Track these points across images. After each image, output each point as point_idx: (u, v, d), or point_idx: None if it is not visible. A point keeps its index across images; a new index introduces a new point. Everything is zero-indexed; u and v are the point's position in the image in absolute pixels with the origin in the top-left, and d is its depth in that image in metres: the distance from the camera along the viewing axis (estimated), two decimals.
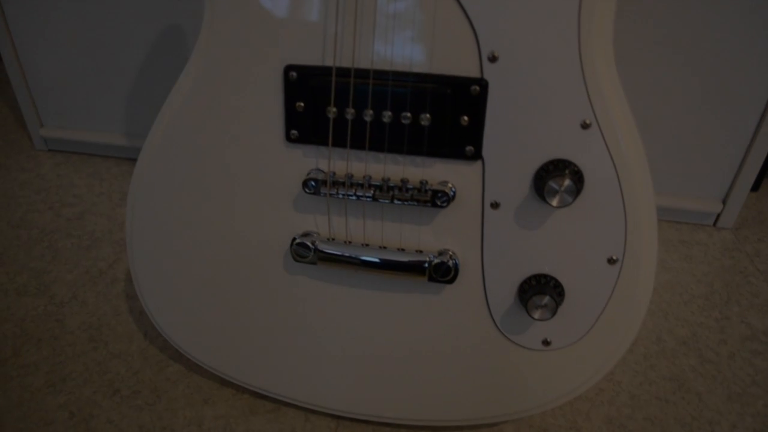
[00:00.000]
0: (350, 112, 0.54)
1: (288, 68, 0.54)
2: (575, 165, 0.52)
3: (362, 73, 0.53)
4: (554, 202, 0.52)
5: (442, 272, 0.57)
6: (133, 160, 1.29)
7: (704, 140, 1.04)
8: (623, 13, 0.95)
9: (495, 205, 0.56)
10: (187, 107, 0.59)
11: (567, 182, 0.51)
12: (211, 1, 0.54)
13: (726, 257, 1.04)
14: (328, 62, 0.54)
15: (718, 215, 1.10)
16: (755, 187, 1.21)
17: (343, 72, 0.53)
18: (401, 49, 0.52)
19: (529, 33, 0.49)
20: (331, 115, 0.55)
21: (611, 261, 0.56)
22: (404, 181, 0.55)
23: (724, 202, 1.09)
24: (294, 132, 0.56)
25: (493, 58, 0.51)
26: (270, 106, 0.56)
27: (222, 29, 0.55)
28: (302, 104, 0.55)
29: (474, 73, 0.51)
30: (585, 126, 0.51)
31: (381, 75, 0.53)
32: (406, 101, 0.53)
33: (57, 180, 1.22)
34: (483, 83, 0.51)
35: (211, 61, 0.56)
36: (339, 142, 0.56)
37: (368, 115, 0.54)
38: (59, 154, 1.32)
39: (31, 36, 1.18)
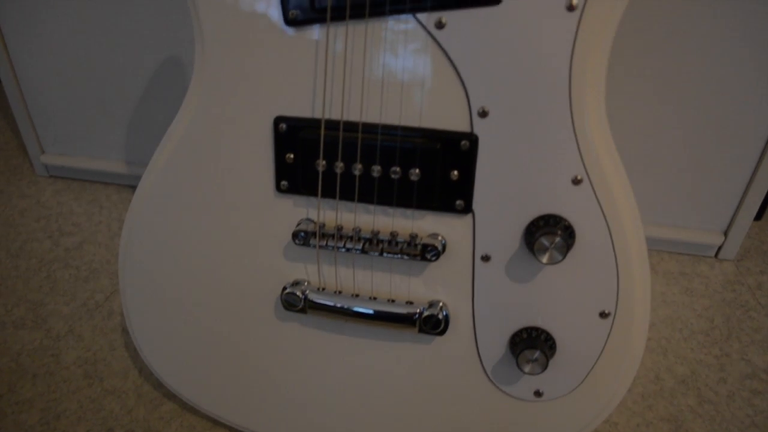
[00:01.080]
0: (339, 166, 0.54)
1: (278, 120, 0.54)
2: (566, 220, 0.52)
3: (351, 127, 0.53)
4: (544, 260, 0.51)
5: (432, 325, 0.57)
6: (133, 188, 1.29)
7: (705, 172, 1.03)
8: (624, 48, 0.95)
9: (486, 258, 0.55)
10: (179, 153, 0.59)
11: (557, 240, 0.50)
12: (201, 50, 0.54)
13: (727, 290, 1.03)
14: (318, 114, 0.53)
15: (720, 247, 1.10)
16: (758, 216, 1.20)
17: (332, 125, 0.53)
18: (391, 103, 0.52)
19: (520, 89, 0.49)
20: (320, 169, 0.54)
21: (603, 315, 0.55)
22: (394, 235, 0.55)
23: (725, 233, 1.08)
24: (284, 183, 0.56)
25: (483, 114, 0.50)
26: (260, 156, 0.56)
27: (213, 79, 0.55)
28: (292, 156, 0.55)
29: (464, 127, 0.51)
30: (576, 182, 0.51)
31: (370, 128, 0.52)
32: (395, 156, 0.52)
33: (57, 207, 1.22)
34: (473, 138, 0.51)
35: (202, 109, 0.56)
36: (328, 194, 0.56)
37: (357, 169, 0.53)
38: (60, 180, 1.32)
39: (33, 63, 1.18)
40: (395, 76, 0.51)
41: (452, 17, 0.48)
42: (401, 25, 0.49)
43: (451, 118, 0.51)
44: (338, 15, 0.50)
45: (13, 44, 1.17)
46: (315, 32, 0.51)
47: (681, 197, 1.06)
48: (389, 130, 0.52)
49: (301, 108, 0.54)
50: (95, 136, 1.25)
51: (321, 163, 0.54)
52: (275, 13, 0.51)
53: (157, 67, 1.13)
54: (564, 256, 0.51)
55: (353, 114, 0.53)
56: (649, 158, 1.04)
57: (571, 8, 0.46)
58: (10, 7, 1.12)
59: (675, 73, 0.96)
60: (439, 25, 0.48)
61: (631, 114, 1.00)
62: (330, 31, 0.50)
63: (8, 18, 1.14)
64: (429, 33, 0.49)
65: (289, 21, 0.51)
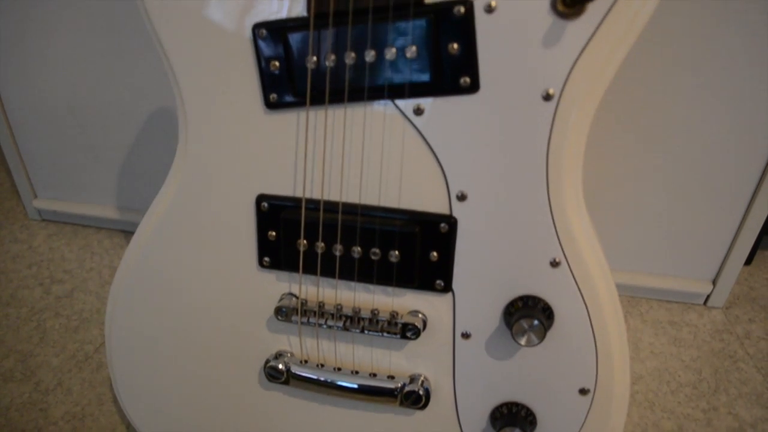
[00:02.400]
0: (320, 246, 0.54)
1: (260, 198, 0.55)
2: (545, 301, 0.52)
3: (332, 207, 0.53)
4: (522, 342, 0.52)
5: (413, 400, 0.57)
6: (125, 232, 1.29)
7: (694, 221, 1.03)
8: (612, 100, 0.96)
9: (466, 336, 0.56)
10: (164, 226, 0.59)
11: (535, 323, 0.51)
12: (185, 129, 0.55)
13: (716, 340, 1.04)
14: (299, 194, 0.54)
15: (709, 295, 1.10)
16: (748, 260, 1.21)
17: (313, 205, 0.54)
18: (370, 185, 0.52)
19: (498, 174, 0.50)
20: (301, 248, 0.55)
21: (583, 392, 0.55)
22: (375, 313, 0.56)
23: (714, 282, 1.08)
24: (266, 259, 0.57)
25: (462, 197, 0.51)
26: (243, 232, 0.57)
27: (196, 157, 0.55)
28: (274, 234, 0.56)
29: (443, 210, 0.52)
30: (554, 264, 0.51)
31: (350, 209, 0.53)
32: (375, 238, 0.53)
33: (49, 253, 1.22)
34: (452, 221, 0.52)
35: (185, 185, 0.57)
36: (310, 271, 0.56)
37: (338, 249, 0.54)
38: (52, 224, 1.33)
39: (25, 108, 1.19)
40: (374, 158, 0.51)
41: (430, 104, 0.49)
42: (380, 110, 0.50)
43: (430, 201, 0.52)
44: (318, 100, 0.50)
45: (6, 90, 1.18)
46: (295, 115, 0.52)
47: (669, 246, 1.07)
48: (369, 210, 0.53)
49: (283, 187, 0.54)
50: (87, 181, 1.25)
51: (302, 243, 0.55)
52: (256, 96, 0.52)
53: (148, 114, 1.14)
54: (542, 339, 0.51)
55: (333, 194, 0.53)
56: (638, 207, 1.04)
57: (547, 98, 0.47)
58: (1, 53, 1.13)
59: (662, 123, 0.96)
60: (418, 112, 0.49)
61: (620, 164, 1.01)
62: (309, 114, 0.51)
63: (0, 64, 1.15)
64: (407, 118, 0.50)
65: (270, 104, 0.51)
